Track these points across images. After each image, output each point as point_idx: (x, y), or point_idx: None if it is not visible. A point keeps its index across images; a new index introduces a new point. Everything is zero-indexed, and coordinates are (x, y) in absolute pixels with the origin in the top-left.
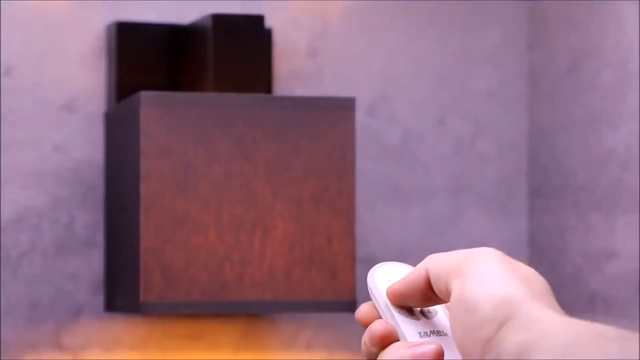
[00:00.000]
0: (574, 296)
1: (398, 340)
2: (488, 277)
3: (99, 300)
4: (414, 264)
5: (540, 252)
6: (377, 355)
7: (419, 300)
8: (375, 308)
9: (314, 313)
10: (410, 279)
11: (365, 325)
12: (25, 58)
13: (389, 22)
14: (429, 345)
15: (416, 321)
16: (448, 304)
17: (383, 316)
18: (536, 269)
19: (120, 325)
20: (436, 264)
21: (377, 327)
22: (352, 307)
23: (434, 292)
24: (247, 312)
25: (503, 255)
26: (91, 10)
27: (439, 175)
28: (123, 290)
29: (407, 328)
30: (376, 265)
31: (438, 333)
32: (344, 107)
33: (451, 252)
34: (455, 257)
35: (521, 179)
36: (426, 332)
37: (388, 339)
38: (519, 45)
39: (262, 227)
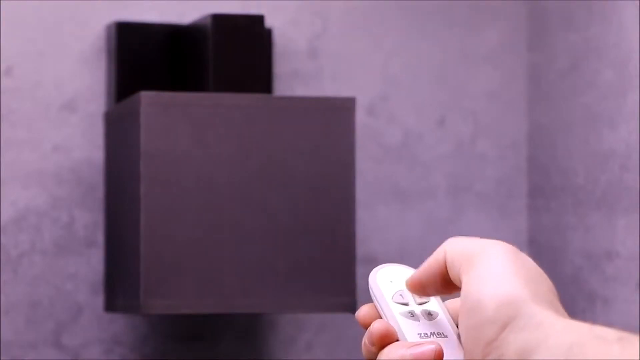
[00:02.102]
0: (574, 296)
1: (398, 340)
2: (494, 275)
3: (99, 300)
4: (414, 264)
5: (540, 252)
6: (376, 355)
7: (438, 284)
8: (376, 309)
9: (314, 313)
10: (431, 262)
11: (366, 326)
12: (25, 58)
13: (389, 22)
14: (429, 346)
15: (417, 322)
16: (457, 299)
17: (384, 317)
18: None
19: (120, 325)
20: (453, 247)
21: (377, 326)
22: (352, 307)
23: (450, 279)
24: (247, 312)
25: (514, 252)
26: (91, 10)
27: (439, 175)
28: (123, 290)
29: (408, 329)
30: (377, 267)
31: (438, 335)
32: (344, 107)
33: (469, 239)
34: (470, 247)
35: (521, 179)
36: (426, 334)
37: (388, 339)
38: (519, 45)
39: (261, 226)
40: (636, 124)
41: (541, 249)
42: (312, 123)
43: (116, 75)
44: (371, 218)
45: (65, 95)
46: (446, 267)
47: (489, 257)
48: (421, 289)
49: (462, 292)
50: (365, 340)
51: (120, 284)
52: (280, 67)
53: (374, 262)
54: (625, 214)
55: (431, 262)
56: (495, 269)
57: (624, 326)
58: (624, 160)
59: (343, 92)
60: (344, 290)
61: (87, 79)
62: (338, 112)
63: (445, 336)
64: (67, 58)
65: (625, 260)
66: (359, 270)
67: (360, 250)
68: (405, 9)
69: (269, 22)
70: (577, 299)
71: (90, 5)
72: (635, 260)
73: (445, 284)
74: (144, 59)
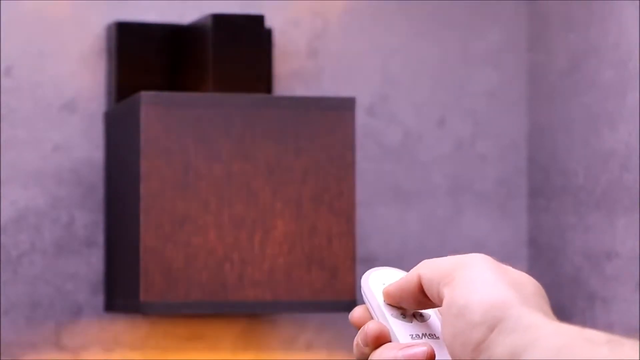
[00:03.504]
0: (574, 296)
1: (390, 341)
2: (478, 282)
3: (99, 300)
4: (413, 264)
5: (540, 252)
6: (369, 355)
7: (412, 304)
8: (369, 311)
9: (314, 313)
10: (403, 283)
11: (359, 327)
12: (25, 58)
13: (389, 22)
14: (421, 347)
15: (409, 324)
16: (440, 308)
17: (376, 319)
18: (536, 269)
19: (120, 325)
20: (428, 270)
21: (371, 327)
22: (352, 307)
23: (426, 296)
24: (247, 312)
25: (493, 262)
26: (91, 10)
27: (439, 175)
28: (123, 290)
29: (400, 330)
30: (370, 270)
31: (430, 336)
32: (344, 107)
33: (443, 258)
34: (446, 264)
35: (521, 179)
36: (418, 335)
37: (381, 339)
38: (519, 45)
39: (262, 227)
40: (636, 124)
41: (541, 249)
42: (312, 123)
43: (116, 75)
44: (371, 218)
45: (65, 95)
46: (420, 289)
47: (471, 267)
48: (395, 301)
49: (446, 301)
50: (358, 340)
51: (120, 284)
52: (280, 67)
53: (374, 262)
54: (625, 214)
55: (405, 282)
56: (479, 276)
57: (624, 326)
58: (624, 160)
59: (343, 92)
60: (344, 290)
61: (87, 79)
62: (338, 112)
63: (437, 337)
64: (67, 58)
65: (625, 260)
66: (359, 270)
67: (360, 250)
68: (405, 9)
69: (269, 22)
70: (577, 299)
71: (90, 5)
72: (635, 260)
73: (417, 302)
74: (144, 59)
